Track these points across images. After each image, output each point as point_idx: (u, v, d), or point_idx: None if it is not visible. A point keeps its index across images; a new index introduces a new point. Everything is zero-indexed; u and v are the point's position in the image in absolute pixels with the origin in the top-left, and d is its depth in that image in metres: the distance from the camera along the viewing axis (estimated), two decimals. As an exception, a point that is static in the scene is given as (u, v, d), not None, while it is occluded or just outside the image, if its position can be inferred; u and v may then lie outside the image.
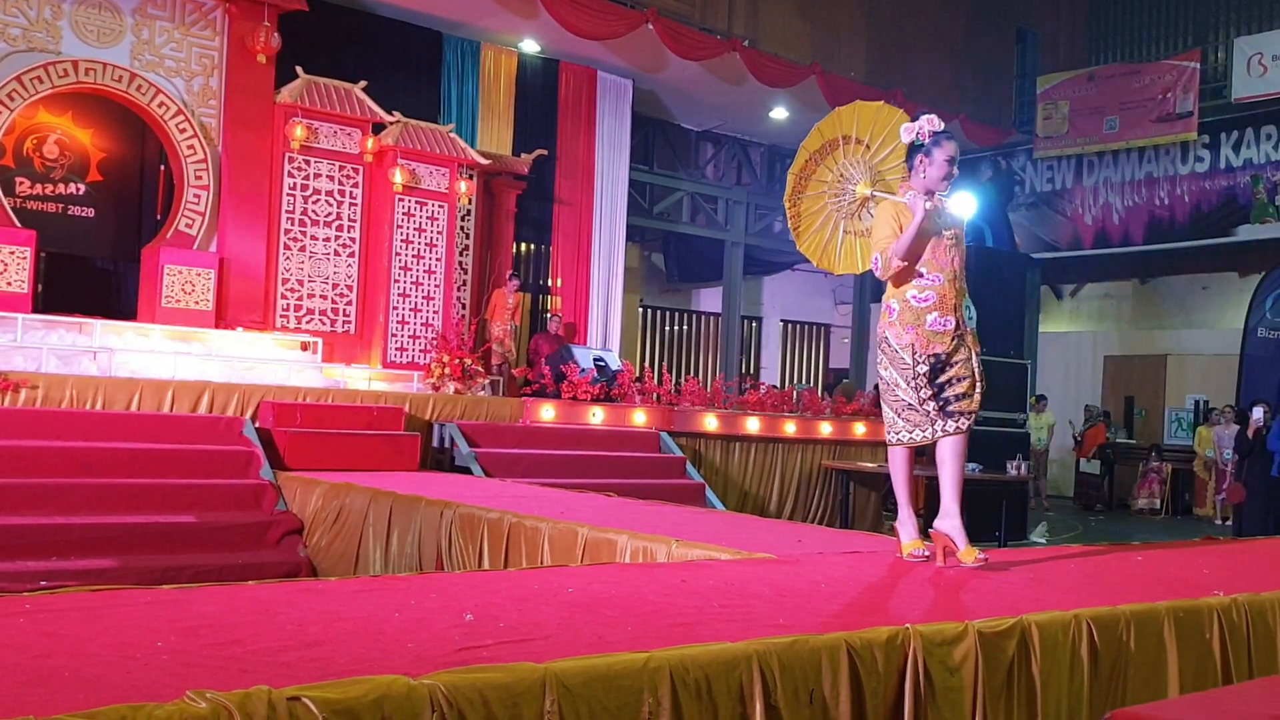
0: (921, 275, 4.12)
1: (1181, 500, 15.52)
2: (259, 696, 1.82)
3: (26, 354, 8.79)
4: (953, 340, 4.12)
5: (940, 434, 4.13)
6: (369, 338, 11.29)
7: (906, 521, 4.35)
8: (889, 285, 4.21)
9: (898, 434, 4.20)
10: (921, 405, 4.10)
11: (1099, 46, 18.72)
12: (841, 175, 4.55)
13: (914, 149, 4.20)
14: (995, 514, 10.85)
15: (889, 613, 3.09)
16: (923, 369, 4.09)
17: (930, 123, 4.16)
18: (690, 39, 13.08)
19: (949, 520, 4.18)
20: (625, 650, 2.33)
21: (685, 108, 15.64)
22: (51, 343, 9.07)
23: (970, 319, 4.21)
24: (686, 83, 14.37)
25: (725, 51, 13.33)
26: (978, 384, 4.17)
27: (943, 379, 4.14)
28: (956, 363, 4.14)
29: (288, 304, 10.89)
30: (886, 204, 4.21)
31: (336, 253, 11.18)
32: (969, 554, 4.08)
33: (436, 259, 11.63)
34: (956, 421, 4.14)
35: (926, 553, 4.22)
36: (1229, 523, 12.93)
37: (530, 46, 13.41)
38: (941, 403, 4.14)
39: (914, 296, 4.12)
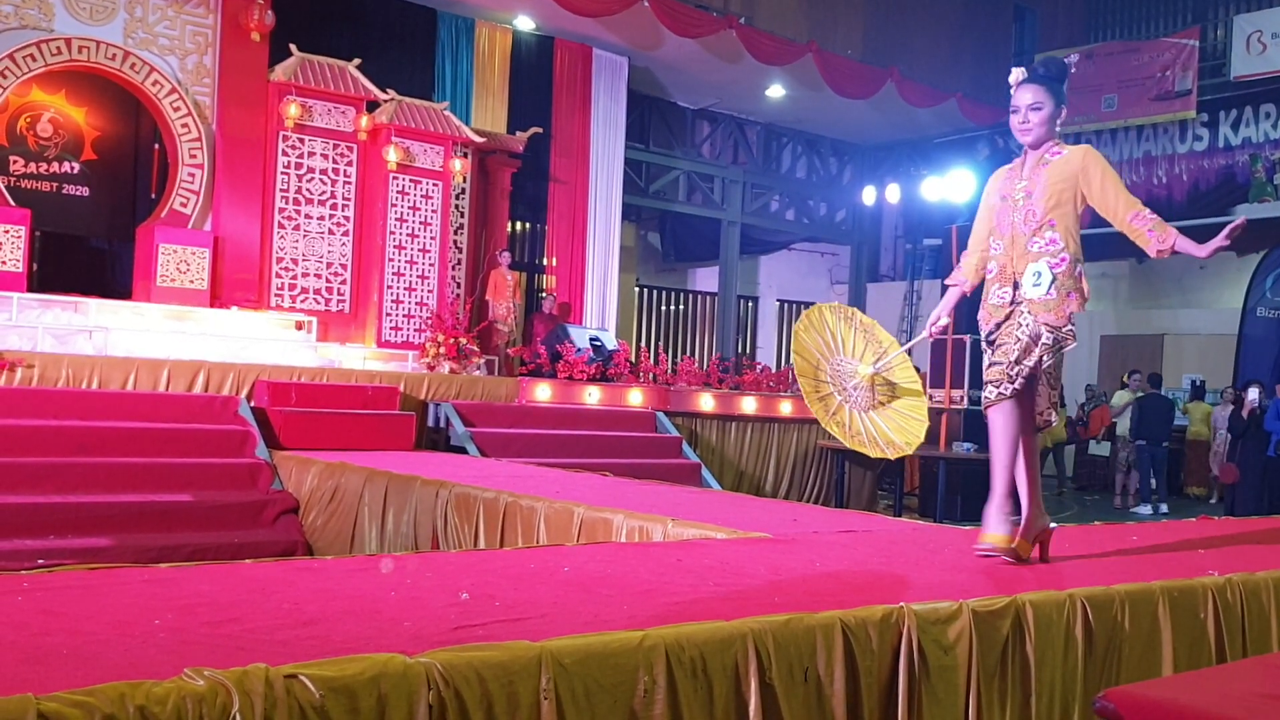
0: (992, 247, 3.83)
1: (1177, 480, 15.55)
2: (256, 674, 1.83)
3: (22, 333, 8.77)
4: (1007, 312, 3.73)
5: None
6: (364, 317, 11.27)
7: (989, 508, 3.79)
8: None
9: None
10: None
11: (1097, 24, 18.66)
12: (838, 378, 4.13)
13: None
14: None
15: (884, 591, 3.10)
16: (987, 348, 3.80)
17: (1012, 75, 3.83)
18: (686, 16, 13.02)
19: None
20: (621, 629, 2.34)
21: (681, 86, 15.58)
22: (47, 322, 9.05)
23: (1038, 285, 3.66)
24: (682, 60, 14.31)
25: (721, 29, 13.27)
26: (1013, 349, 3.65)
27: (990, 354, 3.78)
28: (1005, 328, 3.73)
29: (282, 283, 10.86)
30: None
31: (331, 231, 11.15)
32: (984, 538, 3.77)
33: (431, 237, 11.59)
34: (985, 391, 3.74)
35: (994, 551, 3.69)
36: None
37: (525, 24, 13.34)
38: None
39: (988, 269, 3.84)
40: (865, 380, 4.06)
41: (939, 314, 4.00)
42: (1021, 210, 3.73)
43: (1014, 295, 3.72)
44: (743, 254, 17.94)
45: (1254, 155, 15.44)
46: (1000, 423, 3.72)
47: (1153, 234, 3.56)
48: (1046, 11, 18.20)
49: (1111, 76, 16.37)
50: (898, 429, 4.09)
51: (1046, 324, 3.65)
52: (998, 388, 3.68)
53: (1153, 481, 13.21)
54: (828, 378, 4.13)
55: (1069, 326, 3.69)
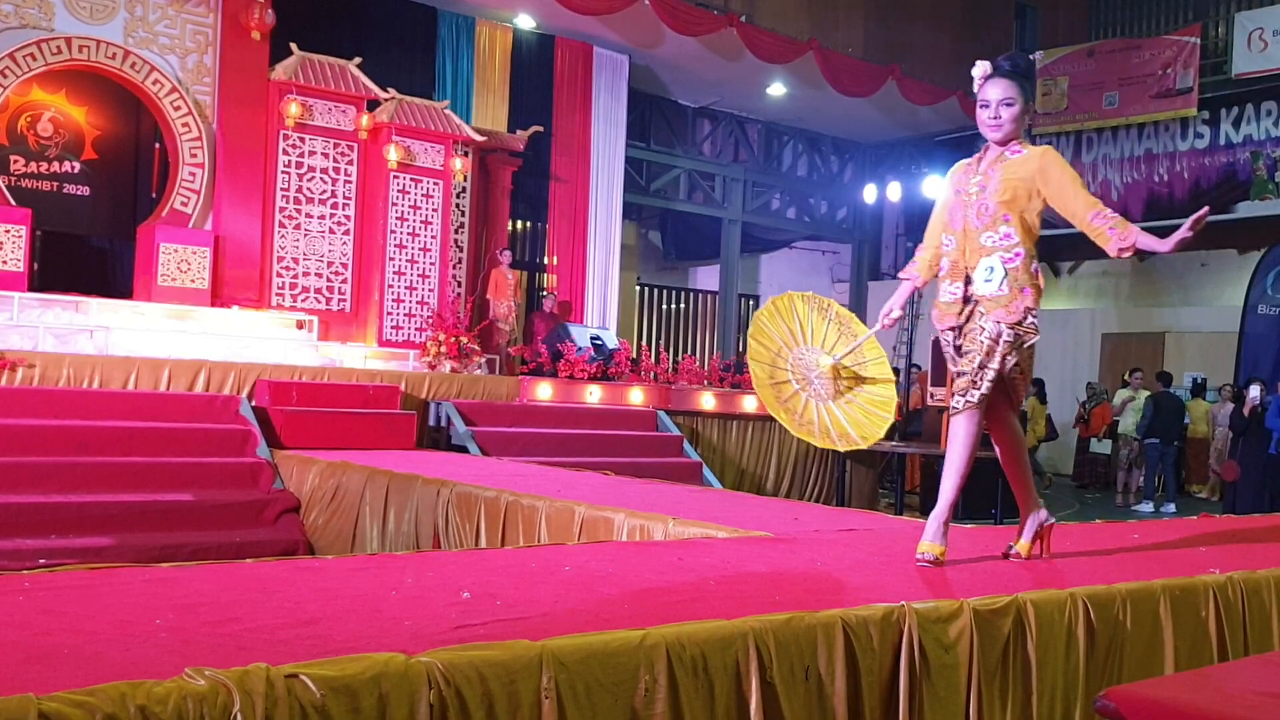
0: (944, 243, 3.76)
1: (1179, 479, 15.55)
2: (257, 674, 1.83)
3: (23, 333, 8.78)
4: (963, 311, 3.66)
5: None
6: (364, 316, 11.27)
7: (933, 515, 3.68)
8: None
9: None
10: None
11: (1099, 22, 18.63)
12: (799, 367, 4.04)
13: None
14: (991, 492, 10.88)
15: (885, 590, 3.10)
16: (949, 350, 3.74)
17: (977, 69, 3.72)
18: (687, 14, 13.01)
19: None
20: (622, 628, 2.34)
21: (682, 84, 15.58)
22: (48, 321, 9.06)
23: (989, 281, 3.59)
24: (683, 58, 14.31)
25: (722, 27, 13.27)
26: (976, 356, 3.59)
27: (958, 359, 3.70)
28: (968, 333, 3.66)
29: (283, 282, 10.87)
30: None
31: (331, 230, 11.15)
32: (923, 546, 3.65)
33: (432, 236, 11.59)
34: (952, 401, 3.68)
35: (930, 560, 3.60)
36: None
37: (525, 22, 13.34)
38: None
39: (941, 266, 3.78)
40: (828, 371, 4.00)
41: (891, 306, 3.96)
42: (975, 205, 3.66)
43: (965, 291, 3.66)
44: (744, 252, 17.94)
45: (1255, 153, 15.43)
46: (963, 430, 3.65)
47: (1114, 232, 3.47)
48: (1048, 9, 18.18)
49: (1113, 74, 16.35)
50: (856, 423, 4.00)
51: (1004, 322, 3.59)
52: (964, 396, 3.63)
53: (1157, 480, 13.24)
54: (787, 365, 4.05)
55: (1029, 320, 3.62)
